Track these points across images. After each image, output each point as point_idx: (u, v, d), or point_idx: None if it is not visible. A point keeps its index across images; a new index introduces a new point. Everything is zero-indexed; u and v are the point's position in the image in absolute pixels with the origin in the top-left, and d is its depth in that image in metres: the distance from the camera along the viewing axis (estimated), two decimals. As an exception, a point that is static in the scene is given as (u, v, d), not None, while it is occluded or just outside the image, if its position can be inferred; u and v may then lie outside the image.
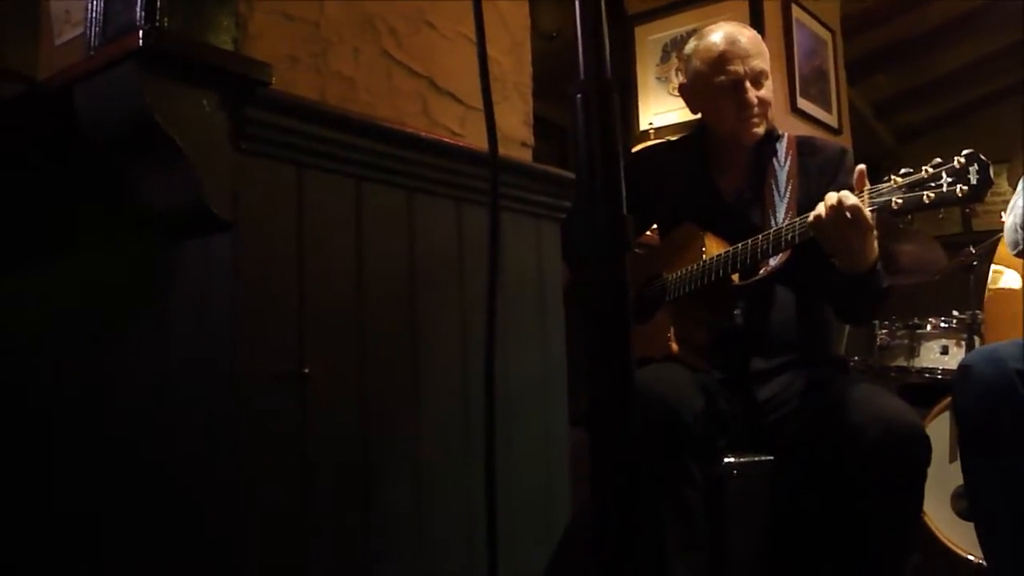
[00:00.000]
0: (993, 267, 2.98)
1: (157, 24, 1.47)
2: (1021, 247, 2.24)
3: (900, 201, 1.81)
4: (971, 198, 1.75)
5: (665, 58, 4.52)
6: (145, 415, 1.70)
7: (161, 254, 1.70)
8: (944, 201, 1.77)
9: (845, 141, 4.89)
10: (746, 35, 2.25)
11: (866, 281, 2.01)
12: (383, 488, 1.72)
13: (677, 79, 4.45)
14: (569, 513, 2.10)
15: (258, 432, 1.54)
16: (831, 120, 4.78)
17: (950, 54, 6.11)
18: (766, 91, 2.24)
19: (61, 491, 1.90)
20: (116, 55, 1.46)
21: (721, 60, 2.21)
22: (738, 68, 2.19)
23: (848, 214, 1.85)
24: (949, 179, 1.76)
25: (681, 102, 4.50)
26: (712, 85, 2.23)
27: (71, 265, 1.93)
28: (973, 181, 1.74)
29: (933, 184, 1.78)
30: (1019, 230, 2.23)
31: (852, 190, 1.89)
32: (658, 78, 4.53)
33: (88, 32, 1.61)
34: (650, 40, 4.58)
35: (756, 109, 2.22)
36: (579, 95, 0.86)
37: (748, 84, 2.20)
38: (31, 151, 1.85)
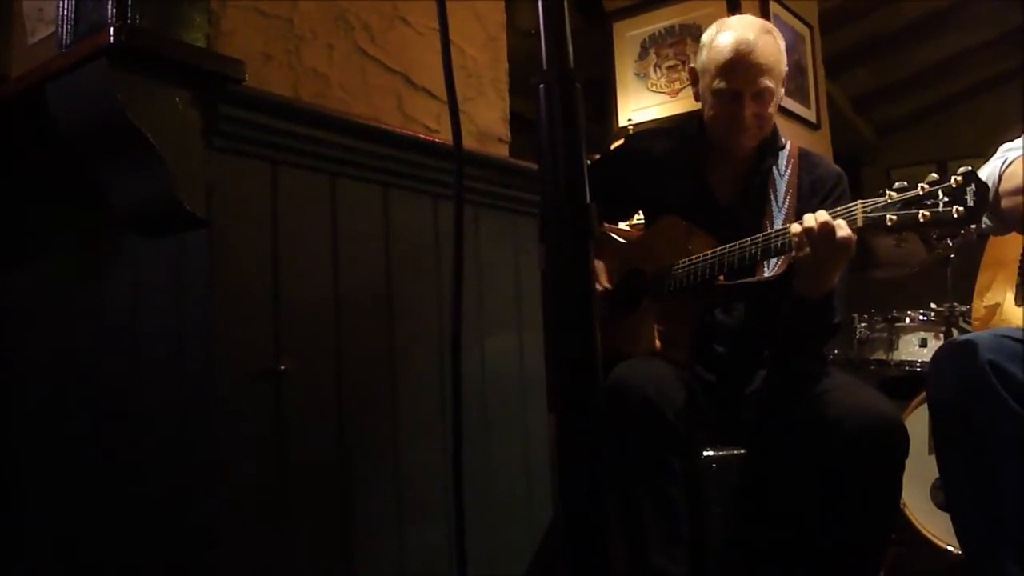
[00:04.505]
0: None
1: (129, 21, 1.46)
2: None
3: (894, 218, 1.74)
4: (966, 220, 1.67)
5: (643, 54, 4.53)
6: (120, 414, 1.70)
7: (135, 252, 1.70)
8: (939, 221, 1.69)
9: (824, 136, 4.91)
10: (761, 44, 2.09)
11: (820, 308, 1.97)
12: (361, 484, 1.72)
13: (655, 75, 4.47)
14: (550, 510, 2.10)
15: (234, 430, 1.53)
16: (810, 115, 4.78)
17: (929, 48, 6.14)
18: (768, 107, 2.13)
19: (33, 491, 1.89)
20: (87, 52, 1.45)
21: (726, 68, 2.09)
22: (741, 82, 2.08)
23: (839, 237, 1.81)
24: (945, 198, 1.69)
25: (659, 98, 4.55)
26: (712, 88, 2.13)
27: (44, 264, 1.92)
28: (970, 202, 1.66)
29: (929, 202, 1.71)
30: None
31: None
32: (637, 74, 4.54)
33: (60, 30, 1.60)
34: (628, 36, 4.59)
35: (749, 122, 2.12)
36: (542, 86, 0.86)
37: (747, 99, 2.10)
38: (3, 150, 1.83)
